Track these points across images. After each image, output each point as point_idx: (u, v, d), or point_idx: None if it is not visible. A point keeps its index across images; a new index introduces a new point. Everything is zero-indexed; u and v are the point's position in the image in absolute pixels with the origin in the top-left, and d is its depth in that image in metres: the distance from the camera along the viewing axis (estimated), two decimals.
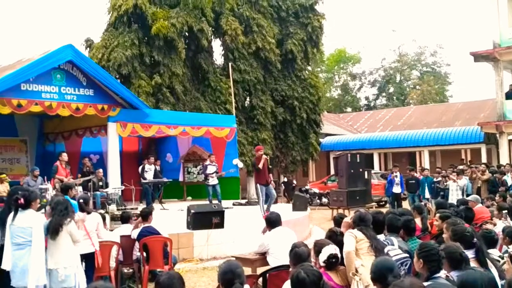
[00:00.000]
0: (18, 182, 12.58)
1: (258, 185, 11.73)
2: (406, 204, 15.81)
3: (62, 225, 5.40)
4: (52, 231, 5.37)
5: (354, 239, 4.44)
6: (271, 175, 12.74)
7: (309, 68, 27.19)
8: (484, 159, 23.39)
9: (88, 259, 6.41)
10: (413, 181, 16.04)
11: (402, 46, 49.28)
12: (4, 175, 12.56)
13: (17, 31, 61.04)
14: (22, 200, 5.37)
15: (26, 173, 14.80)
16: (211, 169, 14.01)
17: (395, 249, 4.42)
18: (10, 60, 15.55)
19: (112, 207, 11.06)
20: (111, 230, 8.34)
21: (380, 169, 27.55)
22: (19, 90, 11.71)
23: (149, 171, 14.91)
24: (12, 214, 5.40)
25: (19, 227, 5.33)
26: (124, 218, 8.13)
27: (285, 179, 25.06)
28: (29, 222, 5.34)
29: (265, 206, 11.59)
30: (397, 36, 79.91)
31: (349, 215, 5.54)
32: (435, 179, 15.74)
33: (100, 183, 13.15)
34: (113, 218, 9.69)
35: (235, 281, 3.27)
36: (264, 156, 11.76)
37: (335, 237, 4.63)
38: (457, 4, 71.86)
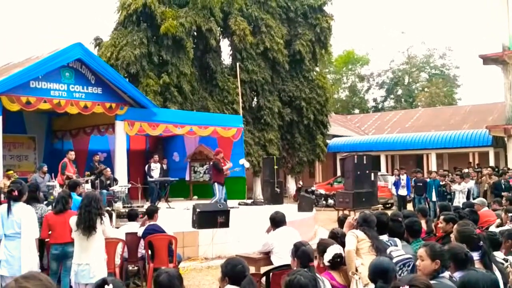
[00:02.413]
0: (26, 179, 12.63)
1: (216, 184, 12.50)
2: (410, 206, 15.76)
3: (97, 222, 5.41)
4: (86, 228, 5.36)
5: (355, 238, 4.44)
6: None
7: (317, 69, 27.20)
8: (492, 162, 23.29)
9: None
10: (421, 184, 15.97)
11: (411, 48, 49.42)
12: (12, 172, 12.59)
13: (27, 29, 61.53)
14: (16, 192, 5.52)
15: (34, 170, 14.86)
16: None
17: (398, 249, 4.42)
18: (19, 58, 15.72)
19: (118, 205, 11.11)
20: (117, 228, 8.40)
21: (387, 171, 27.43)
22: (28, 87, 11.78)
23: (156, 169, 14.96)
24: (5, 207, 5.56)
25: (10, 219, 5.48)
26: (132, 216, 8.19)
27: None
28: (18, 215, 5.45)
29: None
30: (406, 38, 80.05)
31: (353, 216, 5.53)
32: (441, 182, 15.67)
33: (108, 182, 13.20)
34: (119, 216, 9.76)
35: (246, 273, 3.30)
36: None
37: (336, 238, 4.63)
38: (467, 7, 71.54)
